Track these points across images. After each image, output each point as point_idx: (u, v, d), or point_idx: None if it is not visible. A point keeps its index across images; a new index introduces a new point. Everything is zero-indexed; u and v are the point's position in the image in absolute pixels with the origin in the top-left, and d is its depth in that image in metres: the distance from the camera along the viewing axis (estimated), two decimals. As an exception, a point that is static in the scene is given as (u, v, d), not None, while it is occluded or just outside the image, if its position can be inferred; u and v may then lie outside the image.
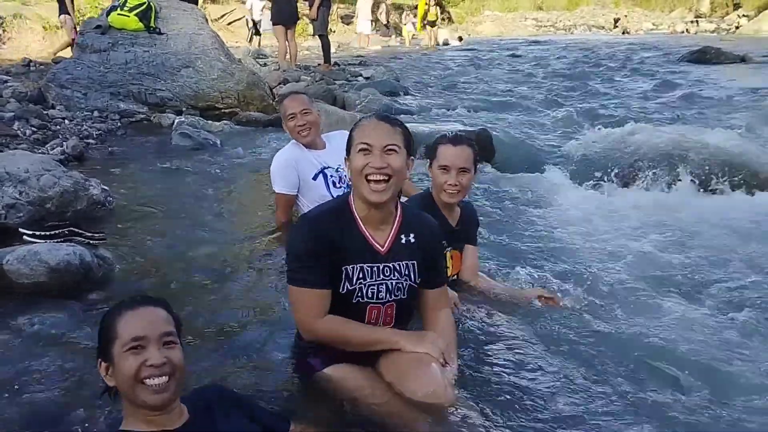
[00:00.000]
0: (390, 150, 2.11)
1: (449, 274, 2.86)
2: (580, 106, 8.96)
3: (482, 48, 20.44)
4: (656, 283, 3.35)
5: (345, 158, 2.24)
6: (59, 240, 3.10)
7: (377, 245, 2.18)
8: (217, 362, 2.47)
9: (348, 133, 3.39)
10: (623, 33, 32.49)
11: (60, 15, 12.60)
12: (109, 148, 6.29)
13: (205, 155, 6.18)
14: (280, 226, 3.91)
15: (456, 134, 2.99)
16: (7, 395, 2.22)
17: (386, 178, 2.10)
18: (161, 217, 4.30)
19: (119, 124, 7.26)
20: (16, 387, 2.27)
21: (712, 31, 29.45)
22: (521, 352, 2.57)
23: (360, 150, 2.11)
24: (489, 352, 2.57)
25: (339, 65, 12.68)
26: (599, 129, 6.84)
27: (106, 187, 4.29)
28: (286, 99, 3.97)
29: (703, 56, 13.83)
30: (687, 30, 30.96)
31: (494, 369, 2.46)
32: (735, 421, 2.19)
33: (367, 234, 2.19)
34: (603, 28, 36.73)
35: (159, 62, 7.84)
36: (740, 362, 2.56)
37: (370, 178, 2.10)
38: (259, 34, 17.82)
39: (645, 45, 20.25)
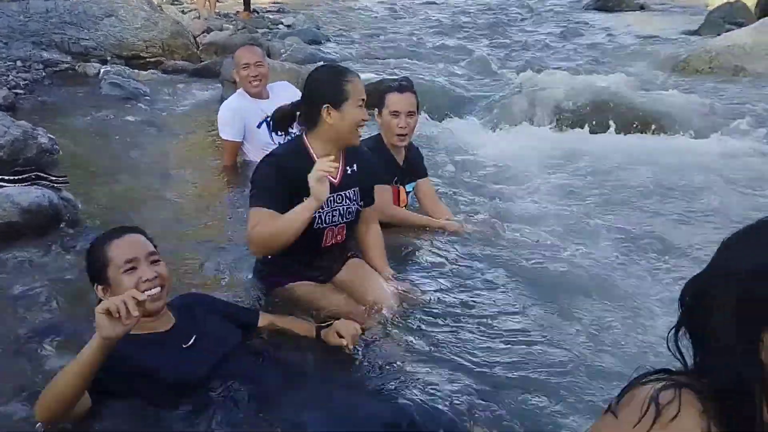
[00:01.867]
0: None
1: (401, 206, 3.35)
2: (492, 53, 9.49)
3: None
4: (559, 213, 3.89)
5: (326, 107, 2.56)
6: (27, 184, 3.37)
7: (330, 178, 2.61)
8: (189, 282, 2.86)
9: (289, 84, 3.84)
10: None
11: None
12: (39, 98, 6.37)
13: (137, 104, 6.37)
14: (225, 168, 4.27)
15: (400, 83, 3.40)
16: (3, 316, 2.56)
17: None
18: (107, 163, 4.58)
19: (44, 73, 7.24)
20: (10, 309, 2.61)
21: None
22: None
23: (359, 106, 2.55)
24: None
25: (258, 12, 12.71)
26: (510, 75, 7.45)
27: (52, 136, 4.50)
28: (240, 49, 4.26)
29: (606, 4, 14.58)
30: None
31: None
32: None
33: None
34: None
35: (81, 11, 7.82)
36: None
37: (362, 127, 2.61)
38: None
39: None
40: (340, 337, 2.24)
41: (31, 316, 2.56)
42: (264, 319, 2.42)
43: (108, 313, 1.70)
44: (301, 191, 2.49)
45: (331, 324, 2.33)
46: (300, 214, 2.42)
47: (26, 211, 3.20)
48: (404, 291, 2.70)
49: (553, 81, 6.37)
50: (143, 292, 1.96)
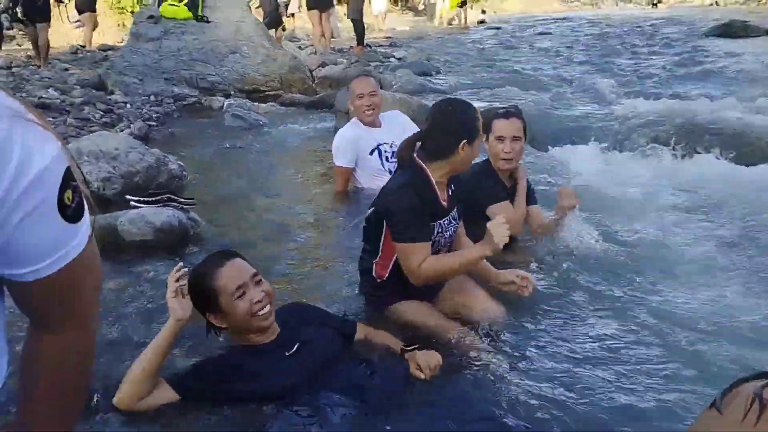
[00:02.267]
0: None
1: None
2: (606, 81, 9.32)
3: (508, 26, 20.71)
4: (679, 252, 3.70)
5: (465, 141, 2.64)
6: (159, 205, 3.67)
7: (443, 202, 2.69)
8: (296, 298, 3.01)
9: (400, 113, 3.97)
10: (652, 5, 32.30)
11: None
12: (169, 129, 6.87)
13: (256, 134, 6.74)
14: (336, 195, 4.45)
15: (507, 109, 3.46)
16: (139, 322, 2.79)
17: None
18: (230, 188, 4.87)
19: (174, 107, 7.84)
20: (141, 316, 2.84)
21: (742, 3, 29.23)
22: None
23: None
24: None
25: (371, 47, 13.14)
26: (625, 102, 7.28)
27: (181, 163, 4.87)
28: (356, 80, 4.46)
29: (729, 30, 14.00)
30: (716, 2, 30.74)
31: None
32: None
33: (440, 197, 2.69)
34: (631, 1, 36.49)
35: (208, 49, 8.41)
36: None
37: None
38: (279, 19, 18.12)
39: (672, 19, 20.35)
40: (419, 369, 2.29)
41: (160, 324, 2.77)
42: (361, 331, 2.51)
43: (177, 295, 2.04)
44: (433, 216, 2.65)
45: (416, 347, 2.38)
46: (468, 258, 2.63)
47: (159, 230, 3.48)
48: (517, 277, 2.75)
49: (669, 108, 6.19)
50: (256, 313, 2.12)
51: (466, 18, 22.17)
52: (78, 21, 13.38)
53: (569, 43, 14.24)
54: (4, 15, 10.05)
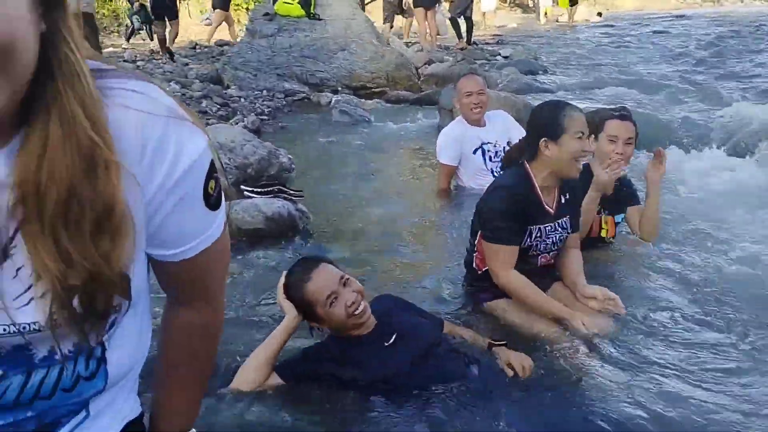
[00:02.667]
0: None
1: (606, 236, 3.33)
2: (724, 84, 8.90)
3: (622, 24, 20.02)
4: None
5: (544, 140, 2.65)
6: (270, 196, 3.86)
7: (549, 208, 2.69)
8: (397, 291, 3.09)
9: (504, 113, 3.98)
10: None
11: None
12: (279, 124, 7.15)
13: (362, 130, 6.90)
14: (440, 191, 4.51)
15: (621, 112, 3.31)
16: (249, 305, 2.96)
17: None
18: (336, 181, 5.04)
19: (284, 102, 8.15)
20: (251, 300, 3.01)
21: None
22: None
23: (578, 137, 2.61)
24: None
25: (477, 44, 13.08)
26: (743, 106, 6.92)
27: (290, 156, 5.08)
28: (464, 78, 4.51)
29: None
30: None
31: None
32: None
33: (544, 202, 2.70)
34: (757, -3, 34.33)
35: (319, 46, 8.66)
36: None
37: (581, 159, 2.65)
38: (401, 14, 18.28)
39: (802, 17, 19.03)
40: (510, 366, 2.31)
41: (266, 305, 2.93)
42: (447, 327, 2.55)
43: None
44: (528, 219, 2.65)
45: (504, 343, 2.42)
46: (548, 310, 2.63)
47: (269, 219, 3.66)
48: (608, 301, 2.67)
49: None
50: (353, 314, 2.21)
51: (573, 15, 21.60)
52: (208, 19, 14.10)
53: (686, 43, 13.62)
54: (135, 16, 10.82)
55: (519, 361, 2.32)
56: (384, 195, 4.71)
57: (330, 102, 7.93)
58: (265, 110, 7.57)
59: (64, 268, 0.80)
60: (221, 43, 13.72)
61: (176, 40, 12.78)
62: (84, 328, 0.86)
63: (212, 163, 0.94)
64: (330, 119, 7.29)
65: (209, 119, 6.66)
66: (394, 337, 2.28)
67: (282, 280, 2.30)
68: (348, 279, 2.27)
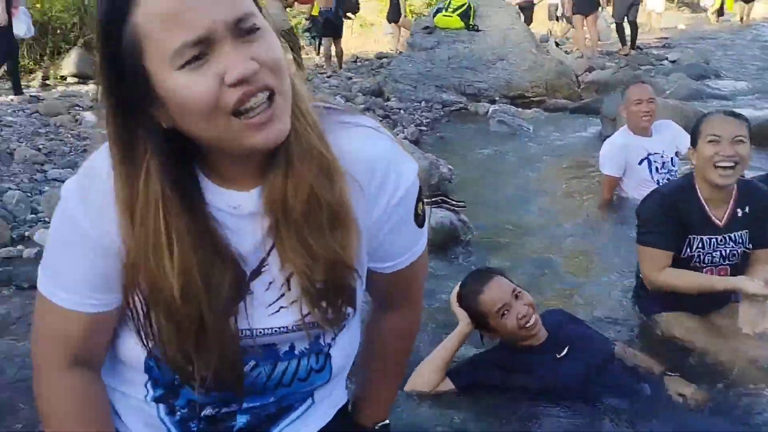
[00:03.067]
0: (738, 140, 2.52)
1: None
2: None
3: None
4: None
5: (689, 149, 2.70)
6: (433, 206, 4.00)
7: (716, 220, 2.60)
8: (566, 302, 3.11)
9: (672, 122, 3.86)
10: None
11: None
12: (438, 134, 7.31)
13: (520, 139, 6.90)
14: (602, 202, 4.44)
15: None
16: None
17: (733, 165, 2.50)
18: (496, 192, 5.10)
19: (442, 112, 8.30)
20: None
21: None
22: None
23: (710, 141, 2.54)
24: None
25: (642, 49, 12.56)
26: None
27: (450, 167, 5.21)
28: (633, 86, 4.43)
29: None
30: None
31: None
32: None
33: (708, 210, 2.61)
34: None
35: (477, 57, 8.75)
36: None
37: (719, 164, 2.50)
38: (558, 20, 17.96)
39: None
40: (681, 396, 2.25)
41: (436, 314, 3.04)
42: (619, 346, 2.52)
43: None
44: (688, 228, 2.59)
45: (678, 375, 2.36)
46: (711, 285, 2.54)
47: (433, 229, 3.79)
48: None
49: None
50: (524, 326, 2.27)
51: (749, 14, 19.97)
52: (391, 33, 14.76)
53: None
54: (306, 33, 11.61)
55: (692, 394, 2.28)
56: (545, 206, 4.70)
57: (488, 112, 7.98)
58: (424, 121, 7.76)
59: (310, 262, 0.97)
60: (381, 56, 14.18)
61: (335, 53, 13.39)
62: (328, 323, 1.03)
63: (420, 188, 1.08)
64: (488, 129, 7.34)
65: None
66: (566, 349, 2.32)
67: (456, 289, 2.41)
68: (520, 292, 2.33)
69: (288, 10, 11.37)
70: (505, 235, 4.16)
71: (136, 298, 0.97)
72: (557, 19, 18.05)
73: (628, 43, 11.86)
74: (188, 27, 0.82)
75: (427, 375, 2.32)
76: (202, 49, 0.83)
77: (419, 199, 1.08)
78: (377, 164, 1.02)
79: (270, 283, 1.02)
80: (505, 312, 2.27)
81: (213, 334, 0.96)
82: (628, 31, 11.84)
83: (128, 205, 0.92)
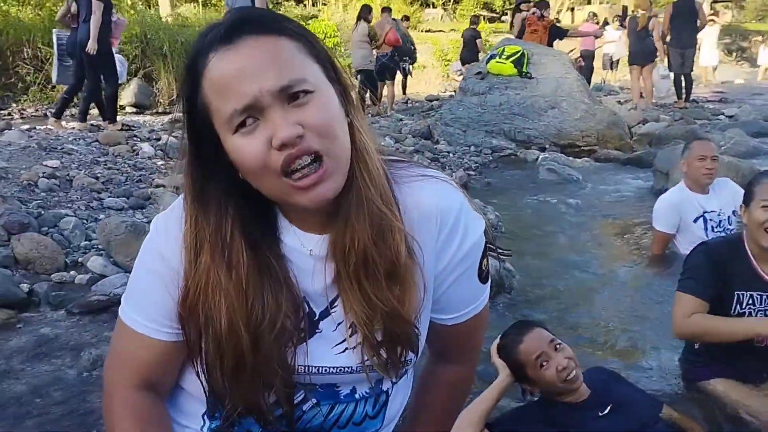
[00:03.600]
0: None
1: None
2: None
3: None
4: None
5: (741, 206, 2.64)
6: (480, 253, 3.97)
7: (764, 274, 2.52)
8: (609, 357, 3.03)
9: (729, 180, 3.76)
10: None
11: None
12: (486, 179, 7.30)
13: (569, 189, 6.83)
14: (653, 258, 4.34)
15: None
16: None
17: None
18: (543, 241, 5.04)
19: (491, 158, 8.32)
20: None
21: None
22: None
23: (763, 206, 2.48)
24: None
25: (697, 102, 12.40)
26: None
27: (497, 213, 5.18)
28: (697, 141, 4.33)
29: None
30: None
31: None
32: None
33: (757, 267, 2.53)
34: None
35: (528, 104, 8.76)
36: None
37: None
38: (612, 69, 17.94)
39: None
40: None
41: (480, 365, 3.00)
42: (665, 409, 2.44)
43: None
44: (735, 284, 2.51)
45: None
46: (742, 329, 2.44)
47: (479, 277, 3.77)
48: None
49: None
50: (564, 379, 2.21)
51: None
52: (460, 70, 14.91)
53: None
54: (359, 76, 12.08)
55: None
56: (592, 259, 4.62)
57: (537, 159, 7.96)
58: (473, 166, 7.78)
59: (369, 313, 1.02)
60: (431, 98, 14.33)
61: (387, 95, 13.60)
62: (386, 371, 1.06)
63: (486, 244, 1.10)
64: (536, 177, 7.31)
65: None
66: (609, 408, 2.25)
67: (497, 341, 2.38)
68: (560, 344, 2.29)
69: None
70: (550, 286, 4.10)
71: (193, 327, 1.04)
72: (611, 68, 18.06)
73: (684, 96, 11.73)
74: (237, 96, 0.91)
75: (465, 426, 2.27)
76: (251, 114, 0.92)
77: (484, 255, 1.11)
78: (446, 217, 1.06)
79: (339, 324, 1.07)
80: (544, 363, 2.22)
81: (264, 366, 1.01)
82: (682, 84, 11.71)
83: (194, 240, 0.99)
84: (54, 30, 9.33)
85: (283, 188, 0.94)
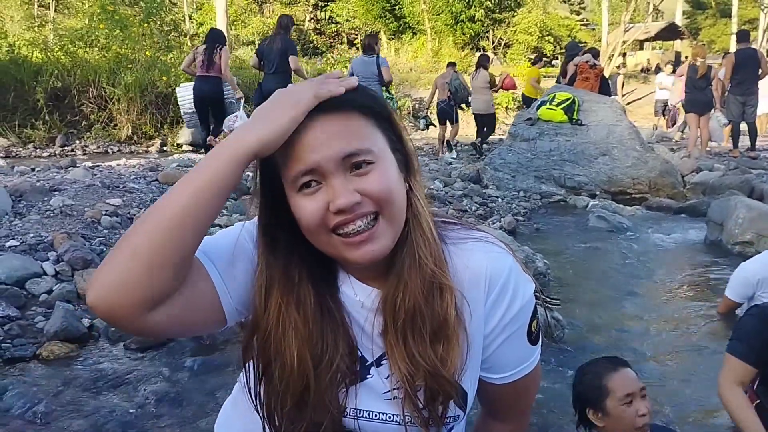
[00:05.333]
0: None
1: None
2: None
3: None
4: None
5: None
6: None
7: None
8: (670, 413, 2.98)
9: None
10: None
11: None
12: (534, 225, 7.28)
13: (620, 237, 6.75)
14: (718, 314, 4.23)
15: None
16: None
17: None
18: (593, 291, 4.99)
19: (540, 203, 8.29)
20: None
21: None
22: None
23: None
24: None
25: (758, 152, 12.15)
26: None
27: (546, 261, 5.17)
28: None
29: None
30: None
31: None
32: None
33: None
34: None
35: (579, 150, 8.74)
36: None
37: None
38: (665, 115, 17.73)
39: None
40: None
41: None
42: None
43: None
44: None
45: None
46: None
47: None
48: None
49: None
50: (639, 426, 2.20)
51: None
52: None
53: None
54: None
55: None
56: (642, 310, 4.56)
57: (587, 206, 7.91)
58: (521, 211, 7.76)
59: (411, 369, 1.05)
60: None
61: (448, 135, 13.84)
62: (427, 427, 1.08)
63: (536, 307, 1.14)
64: (586, 224, 7.25)
65: (468, 218, 7.02)
66: None
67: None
68: (646, 394, 2.29)
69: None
70: (599, 337, 4.06)
71: (255, 355, 1.09)
72: (663, 115, 17.86)
73: (750, 145, 11.52)
74: (303, 161, 1.00)
75: None
76: (314, 178, 1.01)
77: (534, 317, 1.15)
78: (495, 280, 1.10)
79: (387, 375, 1.10)
80: (628, 402, 2.21)
81: (317, 403, 1.06)
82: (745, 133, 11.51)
83: (265, 280, 1.07)
84: (178, 88, 10.16)
85: (335, 245, 1.02)
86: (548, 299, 3.91)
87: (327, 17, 29.24)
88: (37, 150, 12.92)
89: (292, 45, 8.94)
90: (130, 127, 14.26)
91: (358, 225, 1.00)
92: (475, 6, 25.87)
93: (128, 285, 0.93)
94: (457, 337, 1.07)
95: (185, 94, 9.51)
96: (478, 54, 26.85)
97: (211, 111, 9.11)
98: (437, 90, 12.94)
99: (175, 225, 0.94)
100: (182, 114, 10.11)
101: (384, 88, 9.15)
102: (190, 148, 13.30)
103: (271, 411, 1.08)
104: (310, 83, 1.03)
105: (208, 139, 9.15)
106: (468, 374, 1.11)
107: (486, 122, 12.71)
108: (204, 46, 9.01)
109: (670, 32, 32.43)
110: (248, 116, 9.56)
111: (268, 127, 0.98)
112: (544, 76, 18.42)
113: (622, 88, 21.71)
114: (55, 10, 23.66)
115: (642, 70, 27.77)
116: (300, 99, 0.99)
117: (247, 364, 1.12)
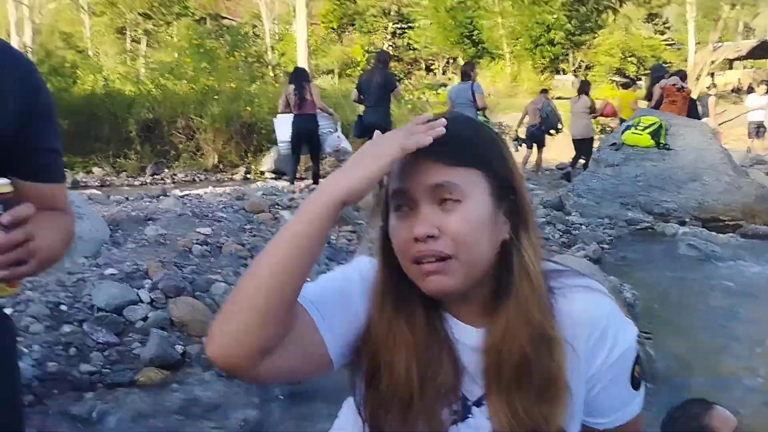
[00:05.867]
0: None
1: None
2: None
3: None
4: None
5: None
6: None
7: None
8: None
9: None
10: None
11: None
12: (620, 254, 7.07)
13: (712, 266, 6.47)
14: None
15: None
16: None
17: None
18: (683, 323, 4.80)
19: (626, 231, 8.04)
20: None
21: None
22: None
23: None
24: None
25: None
26: None
27: (635, 292, 5.01)
28: None
29: None
30: None
31: None
32: None
33: None
34: None
35: (666, 176, 8.47)
36: None
37: None
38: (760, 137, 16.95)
39: None
40: None
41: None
42: None
43: None
44: None
45: None
46: None
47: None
48: None
49: None
50: None
51: None
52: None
53: None
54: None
55: None
56: (739, 345, 4.34)
57: (676, 233, 7.63)
58: (606, 239, 7.56)
59: (513, 423, 1.04)
60: (562, 167, 14.15)
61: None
62: None
63: (638, 352, 1.13)
64: (675, 252, 6.99)
65: (551, 246, 6.89)
66: None
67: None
68: None
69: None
70: (694, 373, 3.89)
71: (364, 364, 1.11)
72: (757, 136, 17.10)
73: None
74: (398, 180, 1.04)
75: None
76: (406, 203, 1.04)
77: (636, 363, 1.12)
78: (596, 324, 1.08)
79: (488, 418, 1.09)
80: None
81: (417, 412, 1.06)
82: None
83: (381, 289, 1.10)
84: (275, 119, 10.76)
85: (414, 273, 1.04)
86: (639, 333, 3.82)
87: (405, 44, 29.62)
88: (129, 179, 13.59)
89: (392, 80, 9.64)
90: (216, 156, 14.81)
91: (430, 260, 1.02)
92: (555, 29, 25.64)
93: (241, 336, 0.97)
94: (566, 395, 1.05)
95: (282, 127, 10.14)
96: (557, 76, 26.56)
97: (308, 146, 9.89)
98: (527, 115, 13.28)
99: (278, 271, 0.99)
100: (278, 143, 10.86)
101: (480, 112, 9.51)
102: (273, 175, 13.67)
103: (376, 418, 1.10)
104: (397, 133, 1.05)
105: (309, 184, 9.71)
106: (571, 427, 1.11)
107: (584, 147, 12.78)
108: (292, 86, 9.56)
109: (763, 50, 31.11)
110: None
111: (355, 177, 1.01)
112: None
113: (715, 109, 20.92)
114: (147, 45, 24.95)
115: (732, 90, 26.78)
116: (385, 152, 1.02)
117: (354, 375, 1.14)
